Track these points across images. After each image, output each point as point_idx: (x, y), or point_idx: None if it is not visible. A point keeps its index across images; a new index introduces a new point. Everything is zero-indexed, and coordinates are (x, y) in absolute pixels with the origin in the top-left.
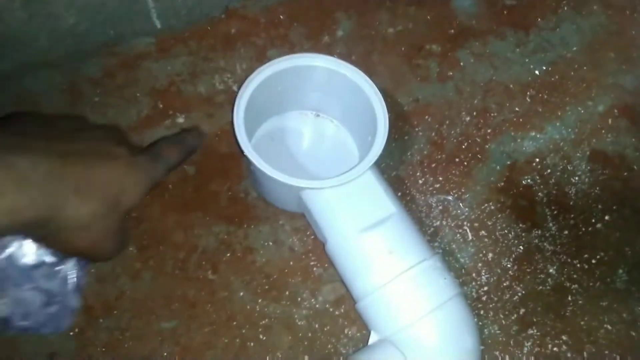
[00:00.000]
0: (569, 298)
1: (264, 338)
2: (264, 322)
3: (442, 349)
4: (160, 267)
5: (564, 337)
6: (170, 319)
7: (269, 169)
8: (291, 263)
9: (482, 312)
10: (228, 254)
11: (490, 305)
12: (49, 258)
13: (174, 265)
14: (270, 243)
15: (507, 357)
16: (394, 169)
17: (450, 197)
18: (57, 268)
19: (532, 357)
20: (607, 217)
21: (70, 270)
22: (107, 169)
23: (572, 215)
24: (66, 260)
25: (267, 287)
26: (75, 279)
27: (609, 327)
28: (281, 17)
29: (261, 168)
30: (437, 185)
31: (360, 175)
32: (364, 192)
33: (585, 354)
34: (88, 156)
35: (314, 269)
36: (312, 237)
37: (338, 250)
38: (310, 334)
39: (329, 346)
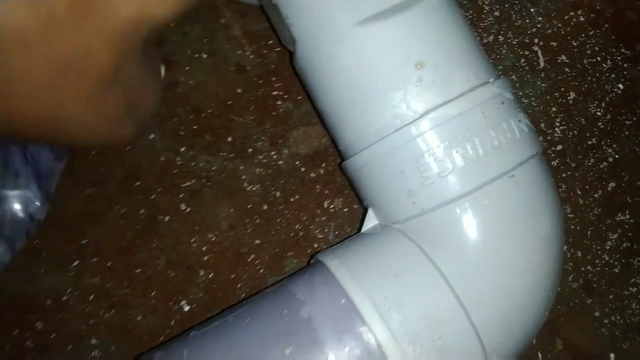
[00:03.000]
0: None
1: (187, 209)
2: (188, 183)
3: (498, 248)
4: None
5: None
6: None
7: None
8: (240, 91)
9: None
10: None
11: (564, 175)
12: None
13: None
14: (204, 55)
15: (579, 253)
16: None
17: None
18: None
19: (618, 255)
20: None
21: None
22: None
23: None
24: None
25: (195, 127)
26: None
27: None
28: None
29: None
30: None
31: None
32: None
33: None
34: None
35: (279, 102)
36: (279, 48)
37: (316, 58)
38: (266, 207)
39: (297, 227)
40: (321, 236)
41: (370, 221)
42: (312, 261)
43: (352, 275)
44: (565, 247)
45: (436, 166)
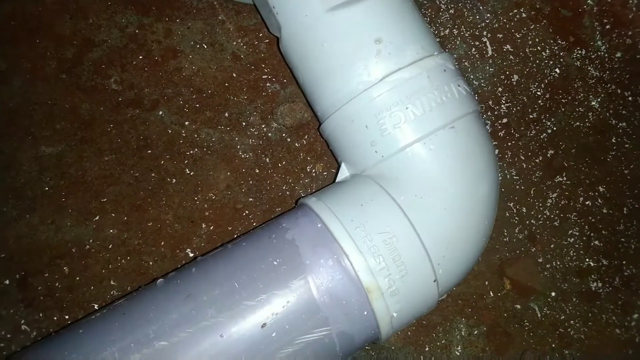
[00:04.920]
0: (613, 140)
1: (191, 173)
2: (192, 151)
3: (444, 184)
4: (38, 68)
5: (600, 189)
6: (53, 142)
7: None
8: (234, 75)
9: (497, 151)
10: (140, 56)
11: (510, 143)
12: None
13: (58, 67)
14: (205, 45)
15: (523, 209)
16: None
17: None
18: None
19: (557, 211)
20: None
21: None
22: None
23: (630, 33)
24: None
25: (197, 105)
26: None
27: None
28: None
29: None
30: None
31: None
32: None
33: (625, 210)
34: None
35: (268, 84)
36: (267, 40)
37: (297, 42)
38: (257, 170)
39: (284, 187)
40: (304, 194)
41: (343, 173)
42: (296, 204)
43: (326, 206)
44: (512, 204)
45: (391, 120)
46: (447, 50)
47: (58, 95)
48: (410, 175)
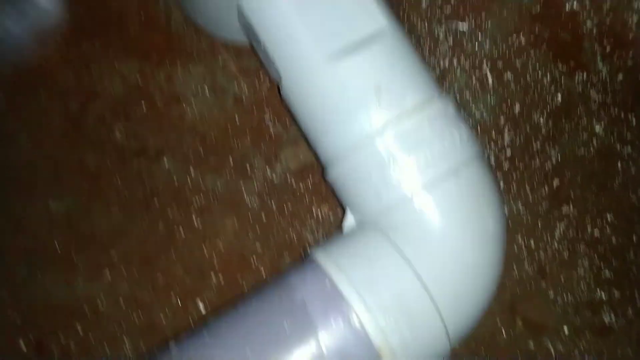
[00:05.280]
0: (619, 165)
1: (199, 222)
2: (198, 199)
3: (450, 233)
4: (43, 122)
5: (608, 217)
6: (61, 198)
7: None
8: (237, 118)
9: (502, 184)
10: (144, 105)
11: (515, 175)
12: None
13: (63, 120)
14: (207, 90)
15: (531, 242)
16: None
17: (465, 26)
18: None
19: (565, 243)
20: None
21: None
22: None
23: (631, 54)
24: None
25: (202, 151)
26: None
27: None
28: None
29: None
30: (448, 9)
31: None
32: None
33: (634, 238)
34: None
35: (270, 126)
36: (269, 81)
37: (298, 91)
38: (264, 216)
39: (291, 231)
40: (312, 238)
41: (349, 219)
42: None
43: (334, 263)
44: (520, 237)
45: (395, 169)
46: (447, 81)
47: (64, 150)
48: (416, 225)
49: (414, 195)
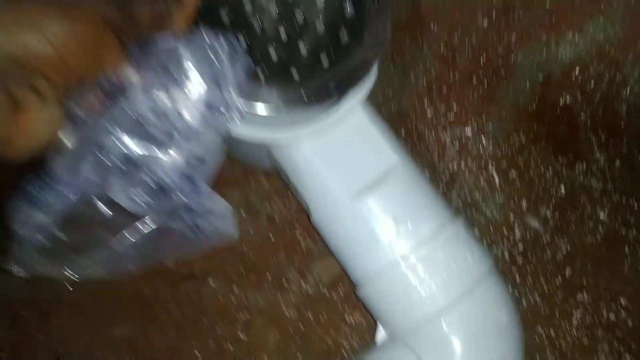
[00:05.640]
0: (626, 249)
1: (245, 337)
2: (243, 316)
3: (471, 348)
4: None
5: (622, 301)
6: (123, 323)
7: None
8: (271, 237)
9: (517, 278)
10: None
11: (528, 269)
12: None
13: None
14: (242, 213)
15: (551, 331)
16: (393, 100)
17: (468, 131)
18: None
19: (584, 329)
20: None
21: None
22: None
23: (625, 141)
24: None
25: (242, 270)
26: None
27: None
28: None
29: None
30: (451, 116)
31: (347, 117)
32: (353, 140)
33: None
34: None
35: (301, 241)
36: (296, 198)
37: (326, 223)
38: (302, 327)
39: (328, 340)
40: (347, 344)
41: (380, 333)
42: None
43: None
44: (539, 328)
45: (417, 293)
46: (457, 184)
47: (124, 279)
48: (439, 343)
49: (435, 314)
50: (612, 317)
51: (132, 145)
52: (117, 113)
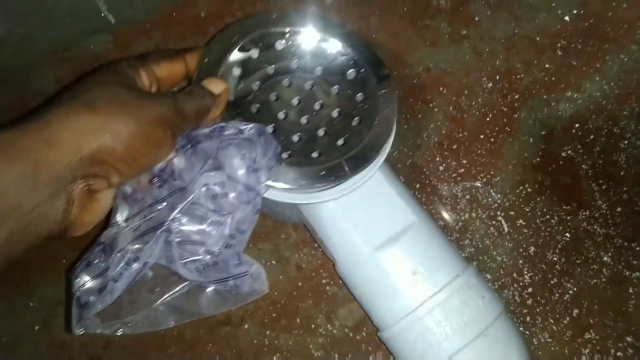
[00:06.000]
0: (630, 290)
1: None
2: (276, 356)
3: None
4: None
5: (628, 339)
6: None
7: None
8: (300, 284)
9: (528, 318)
10: None
11: (538, 310)
12: None
13: None
14: (274, 262)
15: None
16: (409, 156)
17: (478, 183)
18: None
19: None
20: None
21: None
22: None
23: (625, 188)
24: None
25: (274, 315)
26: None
27: None
28: None
29: None
30: (462, 170)
31: (367, 180)
32: (374, 199)
33: None
34: None
35: (327, 287)
36: (321, 249)
37: (350, 273)
38: None
39: None
40: None
41: None
42: None
43: None
44: None
45: (434, 337)
46: (469, 232)
47: None
48: None
49: (451, 356)
50: (620, 354)
51: (188, 224)
52: (175, 197)
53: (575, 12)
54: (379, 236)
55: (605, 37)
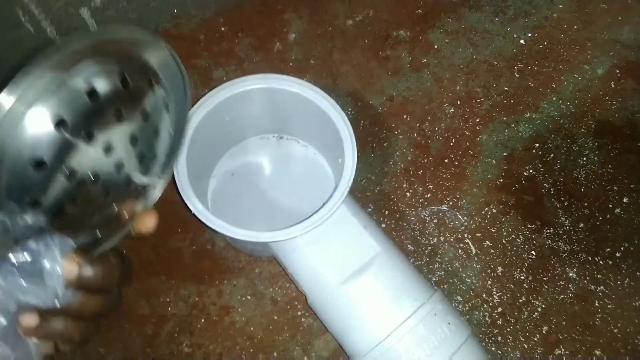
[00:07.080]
0: (596, 304)
1: None
2: None
3: None
4: (127, 347)
5: (597, 352)
6: None
7: (222, 226)
8: (275, 317)
9: (499, 338)
10: (202, 319)
11: (509, 329)
12: None
13: (142, 343)
14: (249, 297)
15: None
16: (376, 184)
17: (444, 207)
18: None
19: None
20: (625, 200)
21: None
22: None
23: (586, 204)
24: None
25: (252, 350)
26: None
27: None
28: (223, 29)
29: (212, 227)
30: (428, 195)
31: (331, 214)
32: (339, 232)
33: None
34: None
35: (302, 319)
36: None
37: (321, 306)
38: None
39: None
40: None
41: None
42: None
43: None
44: None
45: None
46: (438, 255)
47: None
48: None
49: None
50: None
51: None
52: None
53: (529, 35)
54: (345, 269)
55: (560, 58)
